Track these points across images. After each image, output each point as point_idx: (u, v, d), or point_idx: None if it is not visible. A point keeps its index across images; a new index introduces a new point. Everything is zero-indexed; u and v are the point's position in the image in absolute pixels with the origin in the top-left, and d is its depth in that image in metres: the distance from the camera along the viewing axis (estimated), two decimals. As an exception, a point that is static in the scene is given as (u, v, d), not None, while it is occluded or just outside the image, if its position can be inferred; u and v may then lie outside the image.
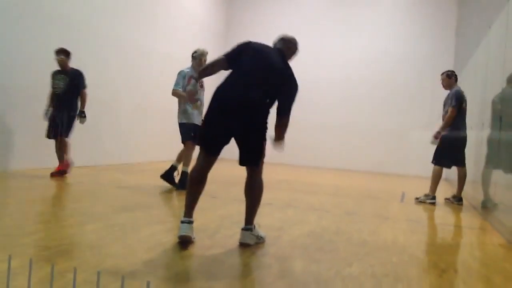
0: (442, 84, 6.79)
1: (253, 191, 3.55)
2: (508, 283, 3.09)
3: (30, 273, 1.82)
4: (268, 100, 3.50)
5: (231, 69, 3.57)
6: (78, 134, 8.56)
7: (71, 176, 6.96)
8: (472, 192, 6.98)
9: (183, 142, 6.32)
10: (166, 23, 11.33)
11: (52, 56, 7.18)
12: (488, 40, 7.01)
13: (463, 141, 6.58)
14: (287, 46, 3.80)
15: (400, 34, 13.57)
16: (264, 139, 3.51)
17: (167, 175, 6.37)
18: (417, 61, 13.31)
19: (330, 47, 14.04)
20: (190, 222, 3.35)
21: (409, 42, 13.46)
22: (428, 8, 13.45)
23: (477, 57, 8.21)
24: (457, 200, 6.64)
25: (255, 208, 3.56)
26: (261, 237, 3.57)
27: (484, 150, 6.30)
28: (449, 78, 6.68)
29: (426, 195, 6.64)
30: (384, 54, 13.56)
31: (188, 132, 6.19)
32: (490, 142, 6.11)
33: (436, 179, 6.64)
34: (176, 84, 6.25)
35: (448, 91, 6.75)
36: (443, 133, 6.49)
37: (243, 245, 3.40)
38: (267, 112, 3.50)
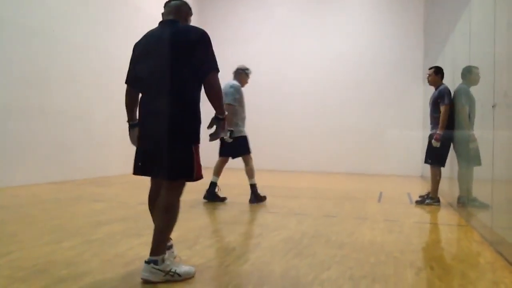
0: (428, 80, 6.73)
1: (161, 215, 2.87)
2: (482, 277, 3.16)
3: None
4: (188, 86, 2.89)
5: (139, 88, 3.10)
6: (52, 148, 8.47)
7: (47, 192, 6.86)
8: (448, 189, 7.10)
9: (245, 154, 6.40)
10: (136, 32, 11.24)
11: (15, 68, 7.03)
12: (454, 38, 7.18)
13: (451, 140, 6.51)
14: (177, 11, 3.07)
15: (370, 34, 13.76)
16: (191, 143, 2.87)
17: (211, 195, 6.29)
18: (389, 61, 13.51)
19: (302, 51, 14.15)
20: (169, 248, 3.07)
21: (379, 42, 13.66)
22: (396, 7, 13.67)
23: (444, 54, 8.39)
24: (436, 201, 6.63)
25: (160, 236, 2.84)
26: (176, 274, 2.82)
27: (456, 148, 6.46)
28: (436, 75, 6.60)
29: (431, 198, 6.60)
30: (356, 55, 13.74)
31: (248, 144, 6.44)
32: (458, 139, 6.27)
33: (438, 180, 6.55)
34: (234, 99, 6.25)
35: (432, 88, 6.75)
36: (440, 132, 6.42)
37: (145, 282, 2.77)
38: (189, 108, 2.90)
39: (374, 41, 13.70)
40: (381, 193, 8.17)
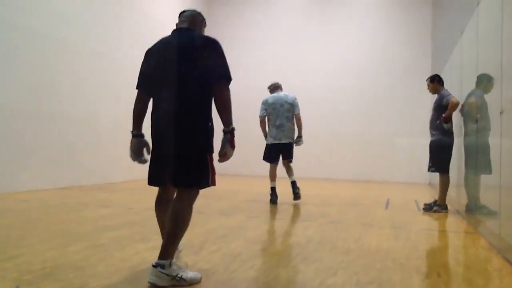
0: (428, 89, 6.88)
1: (173, 220, 2.86)
2: (489, 284, 3.14)
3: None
4: (200, 97, 2.89)
5: (150, 94, 3.09)
6: (59, 154, 8.51)
7: (54, 197, 6.89)
8: (456, 196, 7.06)
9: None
10: (146, 39, 11.26)
11: (24, 73, 7.01)
12: (461, 44, 7.16)
13: (452, 146, 6.56)
14: (192, 21, 3.13)
15: (377, 41, 13.76)
16: (205, 152, 2.90)
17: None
18: (397, 68, 13.50)
19: (310, 57, 14.17)
20: None
21: (388, 49, 13.65)
22: (403, 14, 13.67)
23: (452, 61, 8.38)
24: (444, 208, 6.59)
25: (171, 240, 2.85)
26: (182, 279, 2.79)
27: (463, 154, 6.42)
28: (432, 82, 6.75)
29: (439, 205, 6.56)
30: (364, 62, 13.73)
31: None
32: (467, 146, 6.24)
33: (447, 187, 6.55)
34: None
35: (435, 96, 6.82)
36: (436, 138, 6.56)
37: (151, 285, 2.76)
38: (201, 119, 2.91)
39: (381, 48, 13.70)
40: (388, 200, 8.13)
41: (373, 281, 3.00)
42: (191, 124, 2.87)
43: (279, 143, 7.10)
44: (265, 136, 7.24)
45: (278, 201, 7.01)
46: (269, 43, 14.41)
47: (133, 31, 10.98)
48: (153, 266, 2.78)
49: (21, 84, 7.71)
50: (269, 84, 7.43)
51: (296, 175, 7.30)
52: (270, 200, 6.98)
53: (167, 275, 2.76)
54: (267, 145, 7.20)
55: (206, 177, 2.89)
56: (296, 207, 6.82)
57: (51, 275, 2.94)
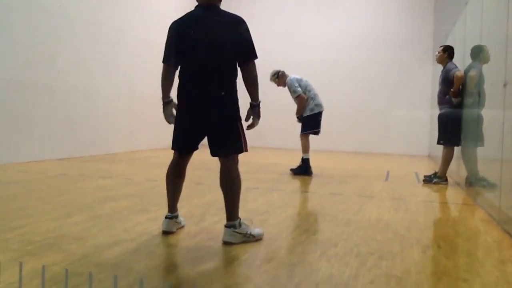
0: (436, 57, 6.84)
1: (227, 185, 3.25)
2: (489, 255, 3.16)
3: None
4: (230, 70, 3.14)
5: (179, 65, 3.25)
6: (58, 125, 8.48)
7: (54, 168, 6.89)
8: (455, 169, 7.06)
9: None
10: (146, 8, 11.15)
11: (22, 45, 6.95)
12: (465, 16, 7.05)
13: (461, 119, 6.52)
14: None
15: (379, 14, 13.55)
16: (237, 121, 3.21)
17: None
18: (397, 40, 13.31)
19: (310, 30, 13.97)
20: (172, 217, 3.37)
21: (388, 22, 13.45)
22: (406, -14, 13.44)
23: (454, 33, 8.26)
24: (444, 180, 6.61)
25: (232, 202, 3.22)
26: (251, 235, 3.18)
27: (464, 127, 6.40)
28: (444, 52, 6.71)
29: (439, 177, 6.59)
30: (364, 35, 13.54)
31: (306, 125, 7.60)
32: (464, 118, 6.23)
33: (449, 160, 6.56)
34: None
35: (436, 69, 6.80)
36: (444, 111, 6.55)
37: (226, 244, 3.11)
38: (232, 89, 3.18)
39: (382, 20, 13.50)
40: (388, 172, 8.15)
41: (374, 252, 3.02)
42: (225, 97, 3.12)
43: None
44: (302, 114, 7.46)
45: (280, 172, 7.02)
46: (265, 17, 14.15)
47: (134, 2, 10.80)
48: (226, 227, 3.15)
49: (19, 56, 7.62)
50: (275, 71, 7.72)
51: (296, 148, 7.32)
52: (310, 172, 7.19)
53: (239, 233, 3.14)
54: (317, 114, 7.53)
55: (240, 143, 3.20)
56: (295, 179, 6.83)
57: (53, 246, 2.95)
